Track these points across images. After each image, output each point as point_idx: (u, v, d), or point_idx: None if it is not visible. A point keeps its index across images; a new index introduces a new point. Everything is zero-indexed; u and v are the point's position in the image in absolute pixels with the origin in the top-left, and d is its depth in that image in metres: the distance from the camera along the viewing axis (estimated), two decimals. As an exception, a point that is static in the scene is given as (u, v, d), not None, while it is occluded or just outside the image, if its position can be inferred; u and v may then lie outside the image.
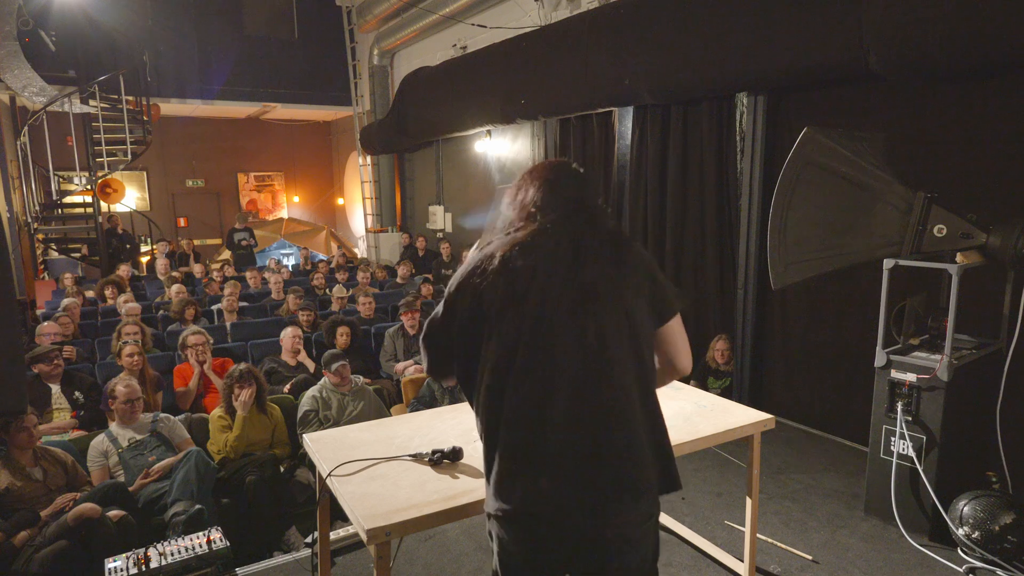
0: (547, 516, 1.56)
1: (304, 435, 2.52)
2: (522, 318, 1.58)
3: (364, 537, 1.82)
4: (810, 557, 3.14)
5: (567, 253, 1.62)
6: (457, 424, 2.52)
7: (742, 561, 2.88)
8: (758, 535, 3.12)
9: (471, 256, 1.75)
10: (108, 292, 7.32)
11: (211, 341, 4.95)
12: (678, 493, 1.78)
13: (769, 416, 2.70)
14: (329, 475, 2.10)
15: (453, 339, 1.67)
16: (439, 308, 1.72)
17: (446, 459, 2.18)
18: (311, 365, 5.17)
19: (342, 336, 5.30)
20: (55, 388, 4.31)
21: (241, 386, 3.94)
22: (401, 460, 2.21)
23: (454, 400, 4.04)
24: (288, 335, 5.13)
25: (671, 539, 3.28)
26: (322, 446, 2.35)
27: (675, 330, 1.72)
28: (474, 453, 2.24)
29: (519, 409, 1.56)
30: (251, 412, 3.96)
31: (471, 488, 2.01)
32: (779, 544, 3.25)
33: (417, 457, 2.21)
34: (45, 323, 5.48)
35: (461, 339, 1.66)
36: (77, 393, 4.35)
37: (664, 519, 3.29)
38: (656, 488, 1.62)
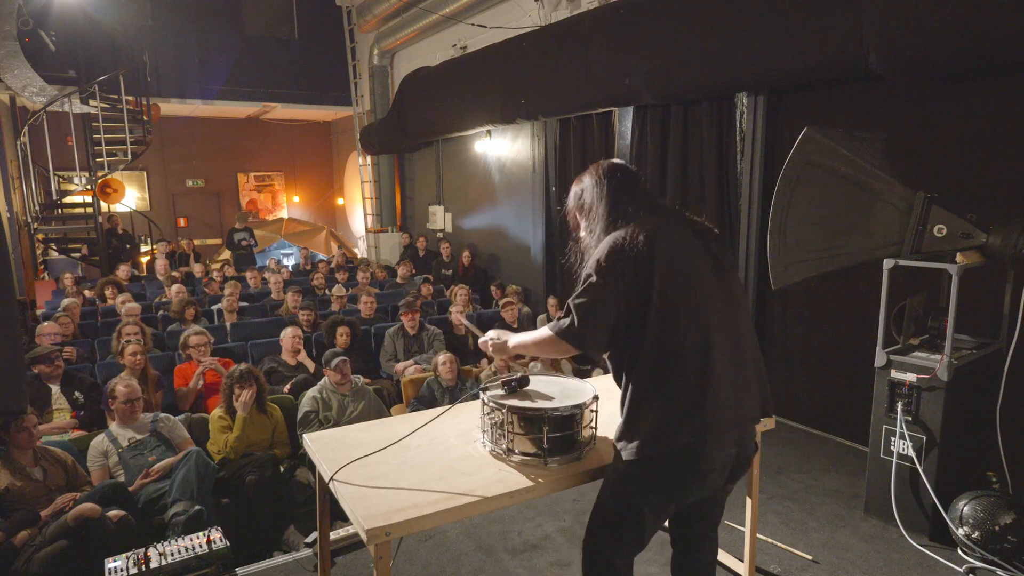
0: (713, 443, 1.86)
1: (304, 435, 2.51)
2: (682, 290, 1.86)
3: (364, 537, 1.82)
4: (810, 557, 3.15)
5: (691, 236, 1.97)
6: (457, 424, 2.52)
7: (742, 561, 2.88)
8: (758, 535, 3.12)
9: (604, 247, 1.92)
10: (108, 292, 7.32)
11: (212, 341, 4.95)
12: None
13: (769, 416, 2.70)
14: (331, 479, 2.10)
15: (613, 314, 1.89)
16: (595, 290, 1.89)
17: (517, 386, 2.28)
18: (311, 365, 5.17)
19: (342, 336, 5.30)
20: (55, 388, 4.30)
21: (241, 386, 3.94)
22: (401, 460, 2.21)
23: (454, 400, 4.04)
24: (288, 335, 5.13)
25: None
26: (322, 446, 2.35)
27: None
28: (473, 453, 2.25)
29: (688, 361, 1.85)
30: (251, 412, 3.96)
31: (471, 488, 2.01)
32: (779, 544, 3.25)
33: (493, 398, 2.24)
34: (45, 323, 5.47)
35: (621, 313, 1.88)
36: (77, 393, 4.34)
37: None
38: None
